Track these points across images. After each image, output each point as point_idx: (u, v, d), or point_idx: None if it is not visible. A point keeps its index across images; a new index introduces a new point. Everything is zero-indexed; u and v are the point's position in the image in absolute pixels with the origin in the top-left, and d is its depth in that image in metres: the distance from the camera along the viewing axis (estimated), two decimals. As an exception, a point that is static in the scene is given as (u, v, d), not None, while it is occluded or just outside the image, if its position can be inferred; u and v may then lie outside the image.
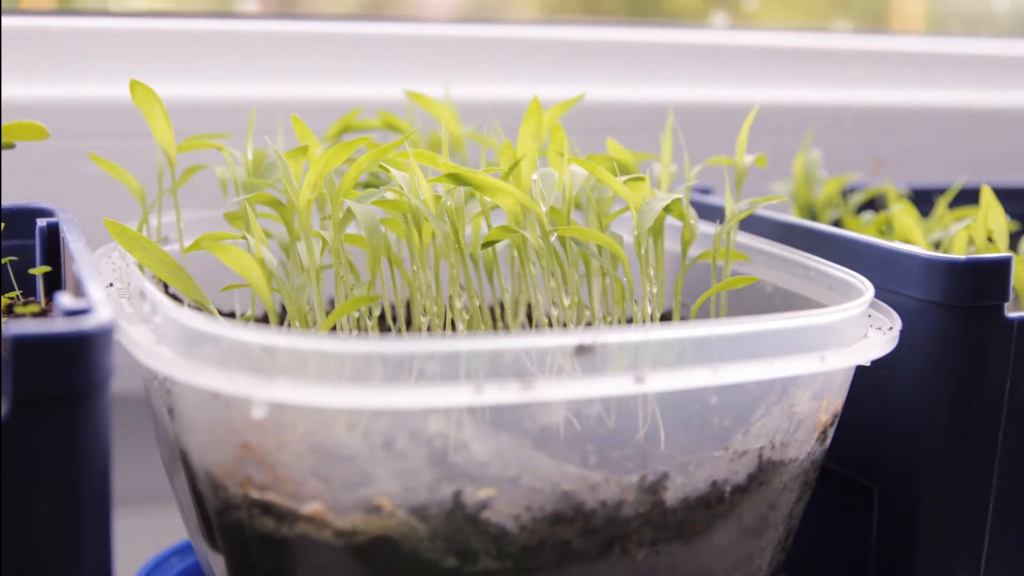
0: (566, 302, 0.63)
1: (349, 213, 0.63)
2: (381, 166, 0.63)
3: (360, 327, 0.64)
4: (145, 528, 0.80)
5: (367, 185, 0.74)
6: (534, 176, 0.62)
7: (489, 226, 0.63)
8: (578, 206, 0.72)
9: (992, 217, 0.71)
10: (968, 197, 0.85)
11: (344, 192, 0.60)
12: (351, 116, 0.79)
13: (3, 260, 0.65)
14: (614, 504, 0.54)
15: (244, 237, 0.63)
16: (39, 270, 0.62)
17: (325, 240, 0.61)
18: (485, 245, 0.62)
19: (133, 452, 0.77)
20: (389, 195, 0.61)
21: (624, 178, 0.62)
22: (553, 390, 0.50)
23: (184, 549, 0.76)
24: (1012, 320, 0.63)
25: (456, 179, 0.60)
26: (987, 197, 0.71)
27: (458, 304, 0.63)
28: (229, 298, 0.75)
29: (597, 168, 0.62)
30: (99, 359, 0.42)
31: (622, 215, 0.72)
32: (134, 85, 0.65)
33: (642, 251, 0.63)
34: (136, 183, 0.69)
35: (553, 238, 0.62)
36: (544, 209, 0.61)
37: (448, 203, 0.61)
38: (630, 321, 0.66)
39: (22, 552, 0.43)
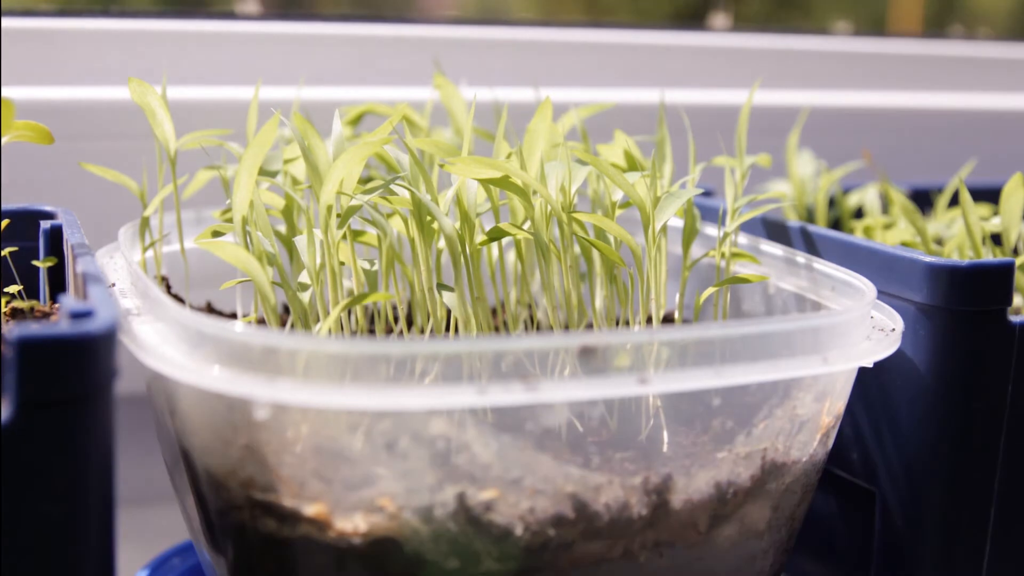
0: (571, 302, 0.63)
1: (351, 209, 0.63)
2: (386, 161, 0.62)
3: (360, 327, 0.64)
4: (147, 528, 0.80)
5: (367, 180, 0.74)
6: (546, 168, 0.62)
7: (497, 222, 0.63)
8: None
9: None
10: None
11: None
12: (368, 107, 0.80)
13: (5, 254, 0.64)
14: (617, 506, 0.54)
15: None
16: (44, 262, 0.62)
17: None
18: (486, 241, 0.62)
19: (135, 452, 0.77)
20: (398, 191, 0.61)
21: (637, 174, 0.62)
22: (556, 391, 0.50)
23: (186, 549, 0.76)
24: (1014, 324, 0.63)
25: (467, 170, 0.59)
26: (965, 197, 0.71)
27: (462, 303, 0.63)
28: (231, 300, 0.75)
29: (604, 164, 0.61)
30: (103, 360, 0.42)
31: (619, 215, 0.72)
32: (133, 83, 0.65)
33: (652, 249, 0.62)
34: (134, 184, 0.69)
35: (556, 239, 0.62)
36: (548, 205, 0.61)
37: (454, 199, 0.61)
38: (632, 322, 0.66)
39: (24, 554, 0.42)
